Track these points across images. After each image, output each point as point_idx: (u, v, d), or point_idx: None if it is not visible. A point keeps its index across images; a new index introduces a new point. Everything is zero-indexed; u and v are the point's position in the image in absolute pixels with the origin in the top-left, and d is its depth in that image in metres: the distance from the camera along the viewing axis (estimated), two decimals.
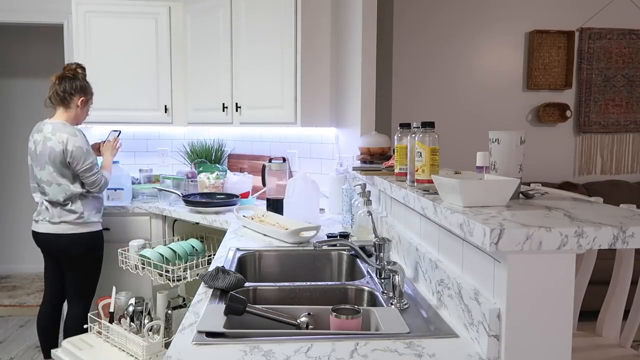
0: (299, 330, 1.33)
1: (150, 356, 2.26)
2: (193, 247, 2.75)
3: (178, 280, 2.59)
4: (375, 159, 2.50)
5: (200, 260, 2.72)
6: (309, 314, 1.37)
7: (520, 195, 1.40)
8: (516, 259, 1.02)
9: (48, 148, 2.67)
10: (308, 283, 1.68)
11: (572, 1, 4.58)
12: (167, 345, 2.36)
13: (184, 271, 2.59)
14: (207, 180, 3.39)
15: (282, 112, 3.01)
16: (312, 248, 2.11)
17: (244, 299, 1.33)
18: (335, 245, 2.10)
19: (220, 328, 1.25)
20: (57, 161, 2.68)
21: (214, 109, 3.38)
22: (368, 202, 2.16)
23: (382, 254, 1.69)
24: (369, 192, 2.20)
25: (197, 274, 2.58)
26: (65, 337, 2.67)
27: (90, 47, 3.52)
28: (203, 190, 3.39)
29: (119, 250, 2.87)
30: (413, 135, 1.64)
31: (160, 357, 2.28)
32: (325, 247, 2.10)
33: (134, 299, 2.53)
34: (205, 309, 1.39)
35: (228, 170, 3.58)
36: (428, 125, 1.59)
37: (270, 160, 2.93)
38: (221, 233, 3.02)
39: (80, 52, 3.52)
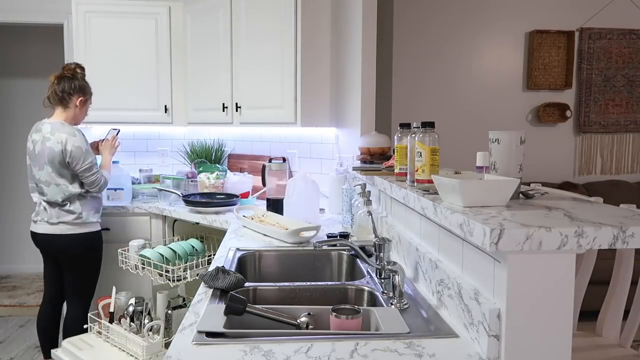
0: (299, 330, 1.33)
1: (150, 356, 2.26)
2: (193, 247, 2.74)
3: (178, 280, 2.59)
4: (375, 159, 2.50)
5: (200, 260, 2.72)
6: (309, 314, 1.37)
7: (520, 195, 1.40)
8: (516, 259, 1.02)
9: (47, 148, 2.67)
10: (308, 283, 1.68)
11: (572, 1, 4.58)
12: (167, 345, 2.36)
13: (184, 271, 2.59)
14: (207, 180, 3.39)
15: (282, 112, 3.01)
16: (312, 248, 2.11)
17: (244, 299, 1.33)
18: (335, 245, 2.10)
19: (220, 328, 1.25)
20: (55, 161, 2.67)
21: (214, 109, 3.38)
22: (368, 202, 2.16)
23: (382, 254, 1.69)
24: (369, 192, 2.20)
25: (197, 274, 2.58)
26: (64, 337, 2.67)
27: (90, 47, 3.52)
28: (203, 190, 3.39)
29: (119, 250, 2.87)
30: (413, 135, 1.64)
31: (160, 357, 2.28)
32: (325, 247, 2.10)
33: (134, 299, 2.53)
34: (205, 309, 1.39)
35: (228, 170, 3.58)
36: (428, 125, 1.59)
37: (270, 160, 2.93)
38: (221, 233, 3.02)
39: (80, 52, 3.52)
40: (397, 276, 1.45)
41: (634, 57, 4.66)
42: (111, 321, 2.49)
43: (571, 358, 1.04)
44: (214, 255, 2.19)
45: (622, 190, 4.47)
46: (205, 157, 3.80)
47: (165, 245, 3.01)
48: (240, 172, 3.65)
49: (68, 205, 2.73)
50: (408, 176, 1.71)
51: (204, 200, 3.17)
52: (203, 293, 1.56)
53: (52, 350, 2.59)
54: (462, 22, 4.54)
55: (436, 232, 1.52)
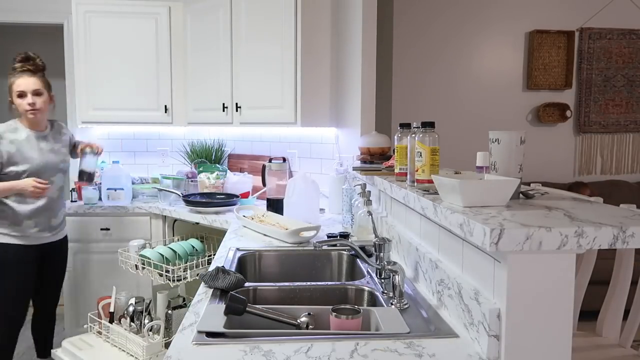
0: (299, 330, 1.33)
1: (150, 356, 2.26)
2: (193, 247, 2.74)
3: (178, 280, 2.59)
4: (375, 159, 2.50)
5: (200, 260, 2.72)
6: (309, 314, 1.37)
7: (520, 195, 1.40)
8: (516, 259, 1.02)
9: None
10: (308, 283, 1.68)
11: (572, 1, 4.58)
12: (167, 345, 2.36)
13: (184, 271, 2.59)
14: (207, 180, 3.39)
15: (282, 112, 3.01)
16: (312, 248, 2.11)
17: (244, 299, 1.33)
18: (335, 245, 2.10)
19: (220, 328, 1.25)
20: None
21: (214, 109, 3.38)
22: (368, 202, 2.16)
23: (382, 254, 1.69)
24: (369, 192, 2.20)
25: (197, 274, 2.58)
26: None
27: (90, 47, 3.52)
28: (203, 190, 3.39)
29: (119, 250, 2.86)
30: (413, 135, 1.64)
31: (160, 357, 2.28)
32: (325, 247, 2.10)
33: (134, 299, 2.53)
34: (205, 309, 1.39)
35: (228, 170, 3.58)
36: (428, 125, 1.59)
37: (270, 160, 2.93)
38: (221, 233, 3.02)
39: (80, 52, 3.52)
40: (397, 276, 1.45)
41: (634, 57, 4.66)
42: (111, 321, 2.49)
43: (571, 358, 1.04)
44: (214, 255, 2.19)
45: (622, 190, 4.47)
46: (205, 157, 3.80)
47: (165, 245, 3.01)
48: (240, 172, 3.65)
49: None
50: (408, 176, 1.71)
51: (204, 200, 3.17)
52: (203, 293, 1.56)
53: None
54: (462, 22, 4.54)
55: (436, 232, 1.52)
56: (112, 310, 2.51)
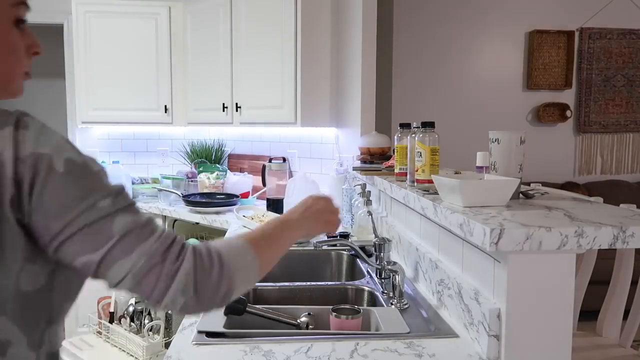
0: (299, 330, 1.33)
1: (150, 356, 2.26)
2: None
3: None
4: (375, 159, 2.50)
5: None
6: (309, 314, 1.37)
7: (520, 195, 1.40)
8: (516, 259, 1.02)
9: None
10: (308, 283, 1.68)
11: (572, 1, 4.58)
12: (167, 345, 2.36)
13: None
14: (207, 180, 3.39)
15: (282, 112, 3.01)
16: (312, 248, 2.11)
17: (244, 299, 1.33)
18: (335, 245, 2.10)
19: (220, 328, 1.25)
20: None
21: (214, 109, 3.38)
22: (368, 202, 2.16)
23: (382, 254, 1.70)
24: (369, 192, 2.20)
25: None
26: None
27: (90, 47, 3.52)
28: (203, 190, 3.39)
29: None
30: (413, 135, 1.64)
31: (160, 357, 2.28)
32: (325, 247, 2.10)
33: (134, 299, 2.53)
34: None
35: (228, 170, 3.58)
36: (428, 125, 1.59)
37: (270, 160, 2.93)
38: (221, 233, 3.01)
39: (80, 52, 3.52)
40: (397, 276, 1.45)
41: (634, 57, 4.66)
42: (111, 321, 2.49)
43: (571, 358, 1.04)
44: None
45: (622, 190, 4.47)
46: (205, 157, 3.80)
47: None
48: (240, 172, 3.65)
49: None
50: (408, 176, 1.71)
51: (204, 200, 3.17)
52: None
53: None
54: (462, 22, 4.54)
55: (436, 232, 1.52)
56: (112, 310, 2.52)
